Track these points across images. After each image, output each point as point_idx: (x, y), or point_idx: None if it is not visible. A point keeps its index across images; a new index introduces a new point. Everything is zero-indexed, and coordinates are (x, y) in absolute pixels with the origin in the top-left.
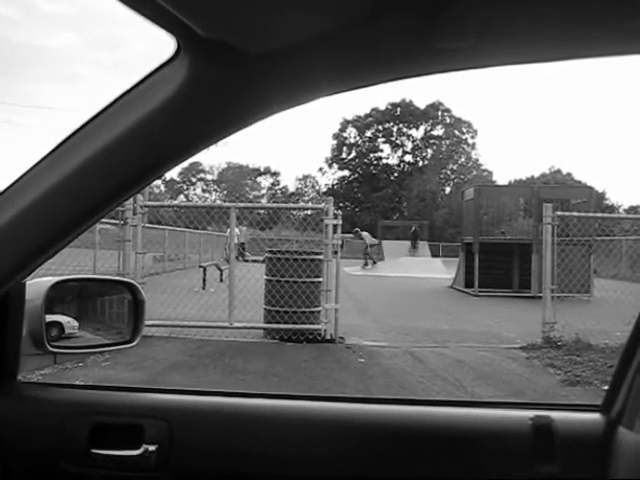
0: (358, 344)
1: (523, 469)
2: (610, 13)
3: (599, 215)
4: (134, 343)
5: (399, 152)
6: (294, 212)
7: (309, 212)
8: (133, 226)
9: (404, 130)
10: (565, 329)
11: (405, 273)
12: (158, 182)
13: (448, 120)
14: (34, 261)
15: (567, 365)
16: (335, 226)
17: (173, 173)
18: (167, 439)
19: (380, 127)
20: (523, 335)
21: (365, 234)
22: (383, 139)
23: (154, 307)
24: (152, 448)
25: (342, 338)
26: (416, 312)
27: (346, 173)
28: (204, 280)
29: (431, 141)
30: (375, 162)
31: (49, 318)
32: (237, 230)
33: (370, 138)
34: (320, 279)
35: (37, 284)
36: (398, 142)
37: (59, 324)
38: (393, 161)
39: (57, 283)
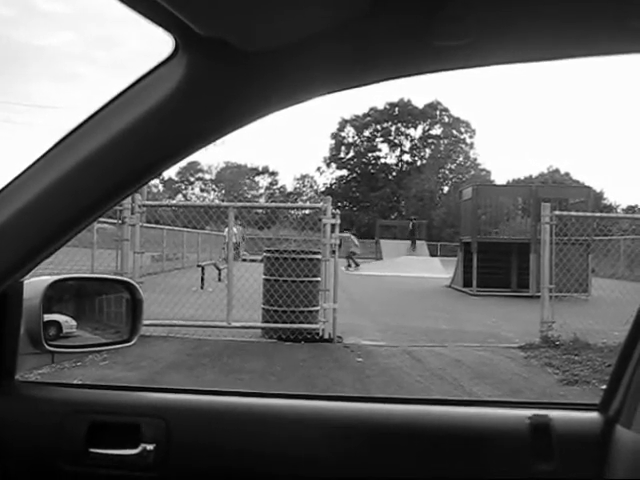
0: (356, 343)
1: (521, 468)
2: (609, 12)
3: (597, 215)
4: (132, 342)
5: (397, 151)
6: (292, 211)
7: (307, 212)
8: (131, 225)
9: (402, 129)
10: (563, 328)
11: (403, 272)
12: (156, 181)
13: (446, 120)
14: (32, 260)
15: (565, 364)
16: (333, 225)
17: (171, 172)
18: (165, 438)
19: (378, 126)
20: (521, 334)
21: (353, 237)
22: (381, 138)
23: (152, 306)
24: (150, 447)
25: (340, 337)
26: (414, 311)
27: (344, 172)
28: (202, 279)
29: (429, 140)
30: (373, 161)
31: (47, 317)
32: (235, 230)
33: (368, 137)
34: (318, 278)
35: (35, 283)
36: (396, 141)
37: (57, 323)
38: (391, 160)
39: (55, 282)
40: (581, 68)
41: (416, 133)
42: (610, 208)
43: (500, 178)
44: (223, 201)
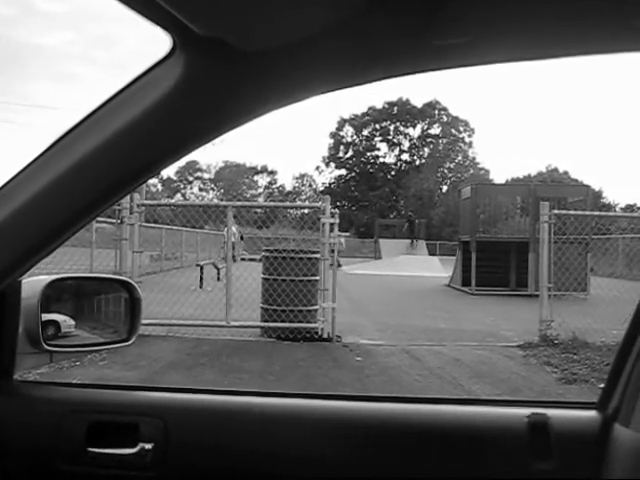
0: (355, 343)
1: (520, 466)
2: (609, 10)
3: (596, 213)
4: (130, 342)
5: (396, 151)
6: (291, 211)
7: (306, 211)
8: (130, 225)
9: (401, 129)
10: (562, 327)
11: (402, 272)
12: (155, 181)
13: (445, 119)
14: (30, 259)
15: (564, 363)
16: (332, 225)
17: (170, 172)
18: (163, 437)
19: (377, 126)
20: (520, 333)
21: (341, 239)
22: (380, 138)
23: (151, 306)
24: (148, 446)
25: (339, 337)
26: (413, 310)
27: (343, 172)
28: (201, 279)
29: (428, 140)
30: (372, 161)
31: (45, 317)
32: (234, 229)
33: (367, 137)
34: (317, 278)
35: (33, 282)
36: (395, 141)
37: (55, 323)
38: (390, 160)
39: (53, 281)
40: (580, 67)
41: (415, 132)
42: (609, 207)
43: (499, 177)
44: (222, 200)
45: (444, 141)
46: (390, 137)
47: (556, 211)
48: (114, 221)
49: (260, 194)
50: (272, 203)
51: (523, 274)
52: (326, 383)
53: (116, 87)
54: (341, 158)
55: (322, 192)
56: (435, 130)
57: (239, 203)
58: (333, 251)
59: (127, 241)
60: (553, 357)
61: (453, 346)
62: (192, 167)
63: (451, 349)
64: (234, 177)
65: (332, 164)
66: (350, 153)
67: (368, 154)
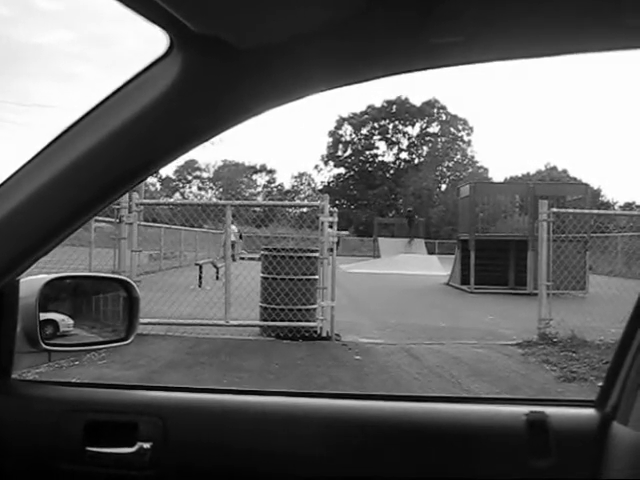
0: (354, 341)
1: (518, 464)
2: (605, 9)
3: (594, 212)
4: (129, 341)
5: (395, 149)
6: (290, 210)
7: (305, 210)
8: (128, 224)
9: (400, 127)
10: (561, 326)
11: (401, 270)
12: (154, 180)
13: (444, 117)
14: (28, 258)
15: (563, 362)
16: (331, 223)
17: (169, 171)
18: (162, 436)
19: (376, 124)
20: (519, 332)
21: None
22: (379, 136)
23: (150, 305)
24: (147, 445)
25: (338, 335)
26: (412, 309)
27: (342, 170)
28: (200, 278)
29: (427, 138)
30: (371, 159)
31: (43, 316)
32: (233, 228)
33: (366, 135)
34: (316, 276)
35: (31, 282)
36: (394, 139)
37: (54, 322)
38: (389, 158)
39: (51, 280)
40: (578, 65)
41: (414, 131)
42: (607, 205)
43: (498, 176)
44: (221, 199)
45: (443, 140)
46: (389, 136)
47: (555, 209)
48: (113, 220)
49: (259, 193)
50: (271, 202)
51: (522, 272)
52: (325, 382)
53: (114, 86)
54: (340, 157)
55: (321, 191)
56: (434, 129)
57: (238, 202)
58: (332, 250)
59: (126, 240)
60: (552, 355)
61: (452, 344)
62: (191, 166)
63: (450, 347)
64: (233, 176)
65: (331, 163)
66: (349, 152)
67: (367, 153)
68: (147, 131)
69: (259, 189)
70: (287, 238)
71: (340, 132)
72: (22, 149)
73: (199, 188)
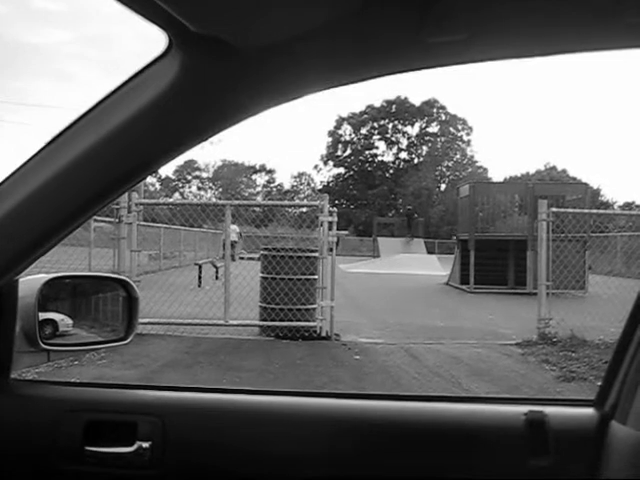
0: (354, 341)
1: (517, 464)
2: (604, 7)
3: (594, 211)
4: (128, 340)
5: (394, 149)
6: (289, 209)
7: (304, 209)
8: (128, 224)
9: (399, 127)
10: (560, 325)
11: (401, 270)
12: (153, 180)
13: (443, 117)
14: (26, 258)
15: (562, 361)
16: (330, 223)
17: (168, 171)
18: (161, 436)
19: (375, 124)
20: (518, 331)
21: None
22: (378, 136)
23: (149, 305)
24: (146, 445)
25: (337, 335)
26: (412, 309)
27: (341, 170)
28: (200, 278)
29: (426, 138)
30: (370, 159)
31: (43, 316)
32: (235, 227)
33: (365, 135)
34: (315, 276)
35: (30, 281)
36: (393, 139)
37: (53, 322)
38: (388, 158)
39: (50, 280)
40: (578, 64)
41: (413, 131)
42: (607, 205)
43: (497, 175)
44: (220, 199)
45: (442, 139)
46: (388, 135)
47: (554, 209)
48: (112, 220)
49: (258, 193)
50: (270, 202)
51: (521, 272)
52: (325, 381)
53: (112, 86)
54: (339, 157)
55: (320, 191)
56: (433, 128)
57: (237, 202)
58: (331, 249)
59: (125, 240)
60: (551, 355)
61: (451, 344)
62: (190, 166)
63: (449, 347)
64: (232, 176)
65: (330, 163)
66: (348, 152)
67: (366, 152)
68: (146, 131)
69: (258, 189)
70: (287, 238)
71: (339, 132)
72: (21, 149)
73: (198, 188)
